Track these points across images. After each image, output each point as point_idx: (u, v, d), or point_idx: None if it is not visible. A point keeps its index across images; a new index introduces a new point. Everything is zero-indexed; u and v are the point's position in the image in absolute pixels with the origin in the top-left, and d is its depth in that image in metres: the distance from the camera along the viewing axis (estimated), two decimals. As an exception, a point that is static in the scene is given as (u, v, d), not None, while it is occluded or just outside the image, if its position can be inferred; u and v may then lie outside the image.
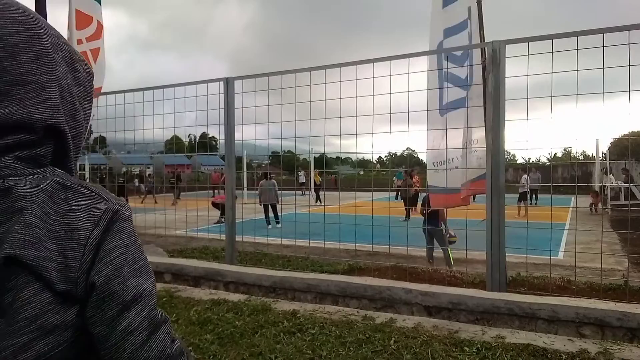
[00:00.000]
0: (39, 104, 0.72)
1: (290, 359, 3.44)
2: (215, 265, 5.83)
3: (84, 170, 16.83)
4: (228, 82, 5.91)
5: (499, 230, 4.46)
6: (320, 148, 6.52)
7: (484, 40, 5.31)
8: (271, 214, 12.85)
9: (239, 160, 15.95)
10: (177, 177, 19.95)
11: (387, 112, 5.04)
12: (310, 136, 5.69)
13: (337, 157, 7.62)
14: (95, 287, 0.69)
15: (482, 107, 5.01)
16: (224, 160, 6.46)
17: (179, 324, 4.16)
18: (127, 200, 5.91)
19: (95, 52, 6.38)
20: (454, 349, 3.51)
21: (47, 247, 0.65)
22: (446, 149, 5.22)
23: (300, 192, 19.80)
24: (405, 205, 13.72)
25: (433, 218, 6.96)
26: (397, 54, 5.02)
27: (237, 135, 6.08)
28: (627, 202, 14.47)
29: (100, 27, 6.51)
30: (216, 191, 13.66)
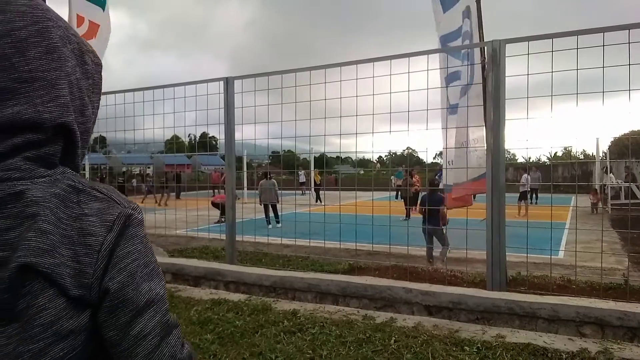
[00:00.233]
0: (48, 102, 0.70)
1: (291, 358, 3.44)
2: (215, 265, 5.84)
3: (84, 170, 16.84)
4: (228, 82, 5.91)
5: (499, 229, 4.46)
6: (321, 147, 6.54)
7: (483, 40, 5.31)
8: (271, 214, 12.84)
9: (239, 159, 15.96)
10: (177, 176, 19.96)
11: (387, 112, 5.04)
12: (310, 136, 5.70)
13: (337, 157, 7.63)
14: (109, 293, 0.69)
15: (482, 107, 5.00)
16: (224, 160, 6.46)
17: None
18: None
19: None
20: (454, 349, 3.51)
21: (61, 253, 0.65)
22: (447, 148, 5.22)
23: (301, 192, 19.81)
24: (406, 204, 13.71)
25: (433, 217, 6.95)
26: (397, 54, 5.02)
27: (237, 135, 6.08)
28: (627, 201, 14.48)
29: (94, 26, 6.48)
30: (216, 191, 13.66)
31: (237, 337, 3.83)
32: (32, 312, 0.63)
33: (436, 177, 10.58)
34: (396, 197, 17.52)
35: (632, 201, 12.39)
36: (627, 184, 15.95)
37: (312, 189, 17.18)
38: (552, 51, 4.21)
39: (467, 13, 5.43)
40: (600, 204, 14.22)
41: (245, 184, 16.21)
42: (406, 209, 13.10)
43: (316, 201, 16.22)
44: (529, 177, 15.47)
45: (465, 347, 3.52)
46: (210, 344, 3.70)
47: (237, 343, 3.73)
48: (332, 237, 5.84)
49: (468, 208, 5.30)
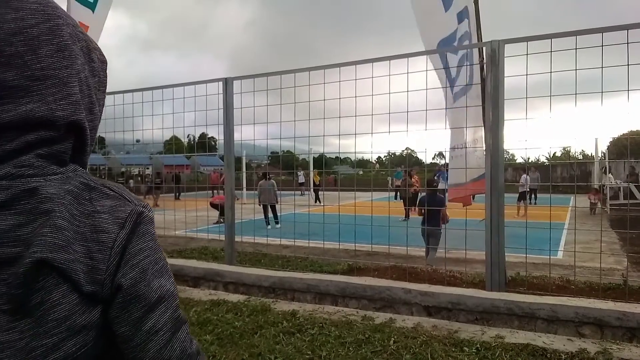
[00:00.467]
0: (60, 100, 0.70)
1: (290, 359, 3.44)
2: (214, 265, 5.83)
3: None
4: (227, 83, 5.91)
5: (498, 229, 4.46)
6: (320, 148, 6.52)
7: (481, 40, 5.31)
8: (270, 214, 12.85)
9: (238, 160, 15.96)
10: (177, 177, 19.93)
11: (386, 112, 5.04)
12: (309, 136, 5.69)
13: (337, 157, 7.63)
14: (122, 289, 0.70)
15: (481, 107, 5.01)
16: (223, 161, 6.45)
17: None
18: None
19: None
20: (453, 349, 3.51)
21: (75, 249, 0.66)
22: (453, 146, 5.23)
23: (300, 192, 19.80)
24: (405, 205, 13.72)
25: (432, 218, 6.95)
26: (396, 54, 5.02)
27: (236, 136, 6.08)
28: (626, 201, 14.49)
29: (82, 27, 6.47)
30: (215, 191, 13.66)
31: (236, 338, 3.83)
32: (46, 307, 0.64)
33: (435, 177, 10.60)
34: (395, 198, 17.53)
35: (630, 201, 12.41)
36: (626, 184, 15.98)
37: (311, 190, 17.18)
38: (551, 51, 4.21)
39: (465, 13, 5.43)
40: (599, 204, 14.12)
41: (245, 185, 16.21)
42: (405, 209, 13.10)
43: (315, 202, 16.22)
44: (528, 177, 15.48)
45: (465, 348, 3.52)
46: (210, 345, 3.70)
47: (236, 344, 3.72)
48: (331, 237, 5.84)
49: (467, 208, 5.30)
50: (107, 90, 0.87)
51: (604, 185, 15.24)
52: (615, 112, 4.63)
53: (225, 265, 5.80)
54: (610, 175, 17.80)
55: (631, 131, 7.58)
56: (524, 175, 15.57)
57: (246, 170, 17.74)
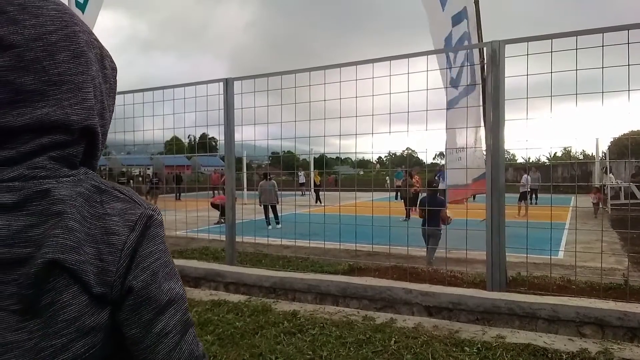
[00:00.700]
0: (75, 105, 0.72)
1: (291, 359, 3.44)
2: (215, 266, 5.84)
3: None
4: (228, 83, 5.91)
5: (499, 230, 4.46)
6: (320, 148, 6.54)
7: (482, 40, 5.31)
8: (271, 215, 12.85)
9: (239, 160, 15.97)
10: (178, 177, 19.95)
11: (386, 113, 5.04)
12: (310, 136, 5.70)
13: (337, 158, 7.64)
14: (132, 292, 0.71)
15: (482, 107, 5.01)
16: (223, 161, 6.46)
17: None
18: None
19: None
20: (454, 349, 3.51)
21: (86, 250, 0.67)
22: (454, 147, 5.23)
23: (300, 193, 19.81)
24: (406, 205, 13.72)
25: (432, 219, 6.95)
26: (396, 54, 5.02)
27: (237, 136, 6.09)
28: (627, 201, 14.45)
29: None
30: (216, 192, 13.65)
31: (237, 338, 3.83)
32: (56, 307, 0.64)
33: (435, 177, 10.58)
34: (396, 198, 17.54)
35: (631, 201, 12.40)
36: (627, 184, 15.93)
37: (312, 190, 17.18)
38: (552, 52, 4.21)
39: (464, 14, 5.43)
40: (600, 204, 14.00)
41: (245, 185, 16.21)
42: (406, 209, 13.10)
43: (316, 202, 16.22)
44: (528, 177, 15.47)
45: (466, 348, 3.52)
46: (211, 345, 3.70)
47: (237, 344, 3.73)
48: (332, 237, 5.84)
49: (468, 208, 5.30)
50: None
51: (604, 185, 15.19)
52: (616, 112, 4.63)
53: (226, 266, 5.81)
54: (611, 175, 17.79)
55: (632, 131, 7.57)
56: (525, 176, 15.55)
57: (247, 170, 17.74)
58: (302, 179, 23.89)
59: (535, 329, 3.96)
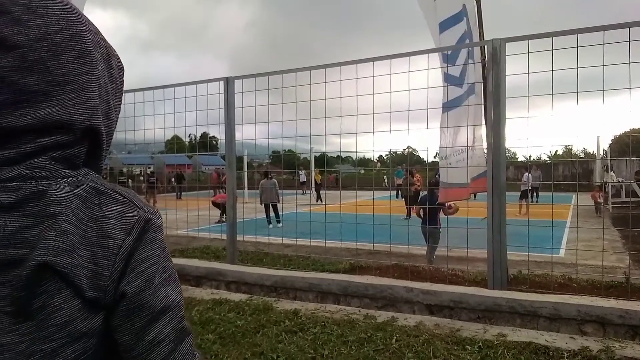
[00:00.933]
0: (79, 104, 0.71)
1: (292, 358, 3.44)
2: (216, 265, 5.84)
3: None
4: (228, 82, 5.91)
5: (500, 228, 4.46)
6: (321, 147, 6.54)
7: (483, 39, 5.30)
8: (272, 214, 12.85)
9: (240, 159, 15.96)
10: (179, 176, 19.94)
11: (387, 111, 5.04)
12: (310, 135, 5.70)
13: (338, 156, 7.63)
14: (125, 297, 0.69)
15: (482, 106, 5.00)
16: (224, 160, 6.46)
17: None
18: None
19: None
20: (455, 348, 3.51)
21: (80, 254, 0.65)
22: (444, 146, 5.22)
23: (301, 191, 19.81)
24: (406, 204, 13.72)
25: (431, 218, 6.94)
26: (397, 53, 5.02)
27: (238, 135, 6.09)
28: (628, 199, 14.41)
29: None
30: (217, 190, 13.65)
31: (238, 337, 3.84)
32: (47, 311, 0.63)
33: (436, 176, 10.58)
34: (397, 197, 17.53)
35: (633, 199, 12.38)
36: (628, 182, 15.90)
37: (313, 189, 17.18)
38: (553, 50, 4.21)
39: (464, 13, 5.41)
40: (602, 203, 13.85)
41: (246, 184, 16.21)
42: (407, 208, 13.09)
43: (317, 201, 16.22)
44: (529, 175, 15.46)
45: (467, 346, 3.52)
46: (212, 344, 3.71)
47: (238, 343, 3.73)
48: (333, 236, 5.84)
49: (469, 207, 5.29)
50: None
51: (605, 183, 15.15)
52: (617, 110, 4.63)
53: (227, 265, 5.81)
54: (612, 173, 17.76)
55: (633, 129, 7.57)
56: (526, 174, 15.53)
57: (247, 169, 17.74)
58: (302, 178, 23.89)
59: (536, 327, 3.96)
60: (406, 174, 15.31)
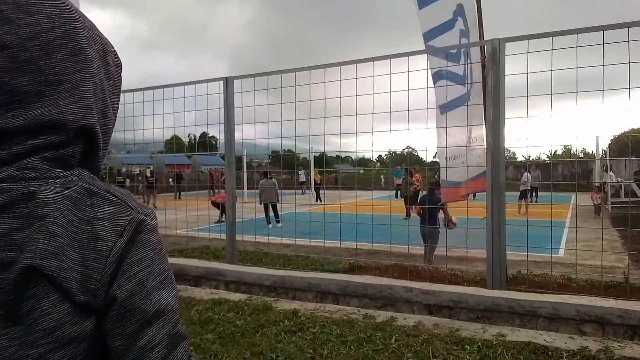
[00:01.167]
0: (72, 104, 0.69)
1: (292, 358, 3.44)
2: (215, 264, 5.84)
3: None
4: (228, 82, 5.91)
5: (499, 228, 4.46)
6: (320, 147, 6.53)
7: (483, 38, 5.30)
8: (271, 213, 12.85)
9: (239, 159, 15.97)
10: (178, 176, 19.94)
11: (387, 111, 5.04)
12: (310, 135, 5.70)
13: (337, 156, 7.63)
14: (116, 302, 0.67)
15: (482, 105, 5.00)
16: (224, 160, 6.46)
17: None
18: None
19: None
20: (454, 347, 3.51)
21: (69, 256, 0.63)
22: (446, 146, 5.21)
23: (301, 191, 19.81)
24: (406, 203, 13.72)
25: (431, 218, 6.94)
26: (396, 53, 5.01)
27: (237, 135, 6.08)
28: (627, 199, 14.41)
29: None
30: (216, 190, 13.66)
31: (237, 337, 3.83)
32: (35, 316, 0.61)
33: (435, 176, 10.58)
34: (396, 196, 17.53)
35: (632, 199, 12.37)
36: (627, 182, 15.90)
37: (312, 189, 17.18)
38: (552, 49, 4.21)
39: (458, 12, 5.40)
40: (601, 203, 13.77)
41: (245, 184, 16.22)
42: (406, 208, 13.10)
43: (316, 200, 16.22)
44: (529, 175, 15.47)
45: (466, 346, 3.52)
46: (211, 344, 3.70)
47: (237, 343, 3.73)
48: (332, 236, 5.84)
49: (468, 207, 5.29)
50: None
51: (605, 183, 15.14)
52: (616, 110, 4.63)
53: (226, 265, 5.81)
54: (611, 173, 17.77)
55: (632, 129, 7.58)
56: (526, 174, 15.54)
57: (247, 169, 17.75)
58: (302, 178, 23.90)
59: (535, 327, 3.96)
60: (405, 174, 15.32)
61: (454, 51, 5.26)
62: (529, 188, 15.95)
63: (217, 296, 4.94)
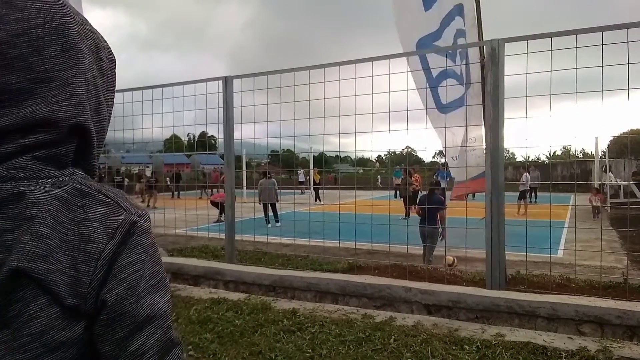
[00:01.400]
0: (63, 101, 0.67)
1: (290, 357, 3.44)
2: (214, 264, 5.83)
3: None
4: (227, 81, 5.91)
5: (498, 228, 4.46)
6: (320, 147, 6.53)
7: (482, 39, 5.30)
8: (270, 213, 12.84)
9: (238, 159, 15.99)
10: (177, 175, 19.92)
11: (386, 111, 5.04)
12: (309, 135, 5.69)
13: (337, 156, 7.63)
14: (106, 306, 0.64)
15: (481, 106, 5.00)
16: (223, 159, 6.46)
17: (178, 323, 4.16)
18: None
19: None
20: (453, 347, 3.51)
21: (58, 258, 0.61)
22: (444, 146, 5.23)
23: (300, 191, 19.81)
24: (405, 203, 13.73)
25: (430, 218, 6.94)
26: (396, 53, 5.01)
27: (236, 134, 6.08)
28: (626, 199, 14.40)
29: None
30: (208, 190, 13.65)
31: (236, 336, 3.83)
32: (23, 320, 0.59)
33: (434, 176, 10.58)
34: (395, 196, 17.54)
35: (631, 200, 12.39)
36: (626, 183, 15.89)
37: (311, 188, 17.18)
38: (551, 50, 4.21)
39: (458, 11, 5.40)
40: (600, 204, 13.66)
41: (245, 183, 16.21)
42: (405, 208, 13.11)
43: (315, 200, 16.22)
44: (528, 175, 15.47)
45: (465, 346, 3.52)
46: (210, 343, 3.70)
47: (236, 342, 3.73)
48: (331, 236, 5.84)
49: (467, 207, 5.30)
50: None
51: (604, 184, 15.13)
52: (616, 110, 4.63)
53: (225, 264, 5.81)
54: (610, 174, 17.78)
55: (631, 130, 7.58)
56: (525, 174, 15.55)
57: (246, 169, 17.75)
58: (301, 177, 23.91)
59: (534, 327, 3.96)
60: (404, 174, 15.33)
61: (449, 51, 5.27)
62: (528, 188, 15.94)
63: (216, 295, 4.94)
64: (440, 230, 6.99)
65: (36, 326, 0.60)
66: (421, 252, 7.19)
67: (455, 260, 6.32)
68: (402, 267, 5.64)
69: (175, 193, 18.85)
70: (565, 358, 3.34)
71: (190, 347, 3.65)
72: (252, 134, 6.36)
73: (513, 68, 4.52)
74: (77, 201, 0.66)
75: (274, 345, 3.62)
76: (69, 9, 0.71)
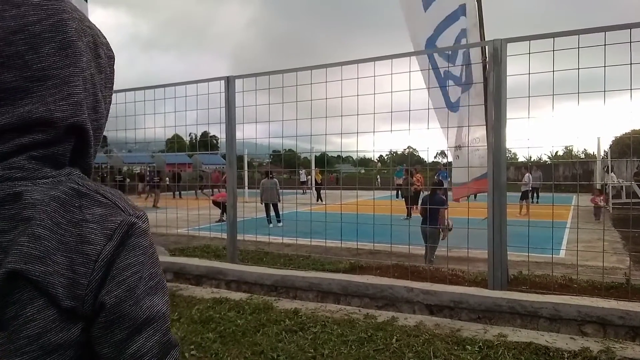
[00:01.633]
0: (60, 100, 0.66)
1: (292, 357, 3.44)
2: (216, 264, 5.84)
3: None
4: (229, 81, 5.91)
5: (500, 228, 4.46)
6: (321, 147, 6.54)
7: (484, 39, 5.30)
8: (272, 213, 12.85)
9: (240, 159, 16.00)
10: (178, 175, 19.95)
11: (388, 111, 5.04)
12: (311, 135, 5.70)
13: (338, 156, 7.63)
14: (105, 308, 0.64)
15: (483, 106, 5.00)
16: (225, 159, 6.46)
17: (180, 322, 4.16)
18: None
19: None
20: (455, 348, 3.51)
21: (55, 260, 0.60)
22: (453, 145, 5.23)
23: (302, 191, 19.82)
24: (407, 204, 13.73)
25: (432, 218, 6.94)
26: (398, 53, 5.01)
27: (238, 134, 6.09)
28: (628, 200, 14.35)
29: None
30: (215, 190, 13.66)
31: (238, 336, 3.84)
32: (20, 322, 0.59)
33: (435, 176, 10.58)
34: (397, 196, 17.53)
35: (633, 200, 12.34)
36: (628, 184, 15.85)
37: (313, 188, 17.19)
38: (554, 50, 4.21)
39: (462, 11, 5.40)
40: (603, 206, 13.50)
41: (246, 183, 16.22)
42: (407, 208, 13.10)
43: (317, 200, 16.22)
44: (530, 176, 15.45)
45: (467, 346, 3.52)
46: (212, 343, 3.71)
47: (238, 342, 3.73)
48: (333, 236, 5.84)
49: (469, 207, 5.29)
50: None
51: (606, 184, 15.09)
52: (618, 111, 4.62)
53: (227, 264, 5.81)
54: (612, 174, 17.75)
55: (634, 130, 7.55)
56: (527, 174, 15.52)
57: (248, 168, 17.75)
58: (303, 177, 23.89)
59: (536, 327, 3.96)
60: (406, 174, 15.32)
61: (449, 52, 5.28)
62: (530, 189, 15.92)
63: (218, 295, 4.94)
64: (441, 229, 6.98)
65: (33, 328, 0.59)
66: (423, 252, 7.18)
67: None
68: (404, 267, 5.64)
69: (177, 193, 18.93)
70: (567, 358, 3.33)
71: (192, 346, 3.66)
72: (254, 133, 6.37)
73: (515, 68, 4.52)
74: (75, 202, 0.65)
75: (276, 345, 3.63)
76: (67, 5, 0.70)
